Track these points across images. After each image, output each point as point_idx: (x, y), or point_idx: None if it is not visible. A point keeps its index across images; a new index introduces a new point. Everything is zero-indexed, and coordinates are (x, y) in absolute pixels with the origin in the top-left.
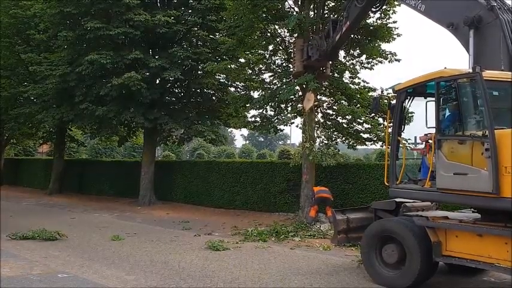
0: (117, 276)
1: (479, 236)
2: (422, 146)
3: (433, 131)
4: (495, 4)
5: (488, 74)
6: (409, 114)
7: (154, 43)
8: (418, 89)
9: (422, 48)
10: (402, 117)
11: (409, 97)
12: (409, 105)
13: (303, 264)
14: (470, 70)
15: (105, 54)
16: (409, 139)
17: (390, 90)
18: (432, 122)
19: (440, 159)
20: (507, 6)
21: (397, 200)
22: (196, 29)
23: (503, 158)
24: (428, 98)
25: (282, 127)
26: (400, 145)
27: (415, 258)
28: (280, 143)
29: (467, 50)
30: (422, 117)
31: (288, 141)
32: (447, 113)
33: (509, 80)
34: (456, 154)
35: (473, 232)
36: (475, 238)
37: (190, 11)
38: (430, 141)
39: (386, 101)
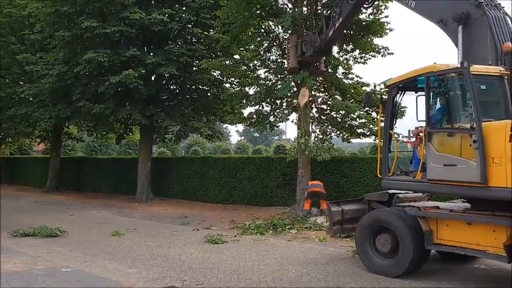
0: (119, 269)
1: (468, 225)
2: (414, 139)
3: (424, 124)
4: (482, 1)
5: (475, 68)
6: (402, 109)
7: (150, 41)
8: (408, 84)
9: (417, 44)
10: (394, 112)
11: (400, 92)
12: (401, 100)
13: (300, 255)
14: (459, 65)
15: (102, 53)
16: (403, 132)
17: (382, 85)
18: (422, 115)
19: (431, 151)
20: (494, 3)
21: (390, 191)
22: (190, 26)
23: (490, 149)
24: (419, 93)
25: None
26: (392, 138)
27: (408, 246)
28: (275, 138)
29: (457, 45)
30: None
31: (284, 137)
32: (437, 106)
33: (496, 74)
34: (446, 146)
35: (463, 221)
36: (464, 226)
37: (184, 8)
38: (421, 134)
39: (379, 95)
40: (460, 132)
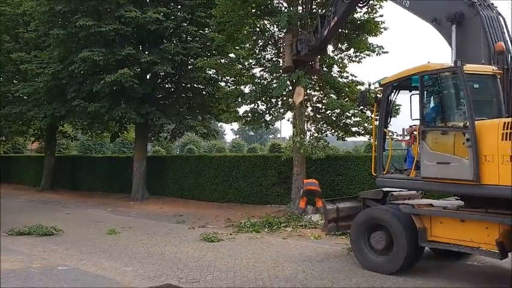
0: (115, 267)
1: (461, 222)
2: (408, 137)
3: (418, 122)
4: (476, 1)
5: (469, 67)
6: (396, 107)
7: (145, 39)
8: (403, 83)
9: (412, 43)
10: (388, 110)
11: (394, 90)
12: (395, 99)
13: (295, 253)
14: (452, 64)
15: (97, 51)
16: (398, 131)
17: (377, 84)
18: (417, 114)
19: (425, 149)
20: (487, 3)
21: (384, 189)
22: (185, 24)
23: (483, 147)
24: (413, 91)
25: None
26: (387, 137)
27: (402, 244)
28: (270, 136)
29: (450, 45)
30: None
31: (278, 135)
32: (431, 105)
33: (489, 73)
34: (439, 144)
35: (456, 218)
36: (458, 224)
37: (179, 7)
38: (415, 132)
39: (373, 94)
40: (453, 130)
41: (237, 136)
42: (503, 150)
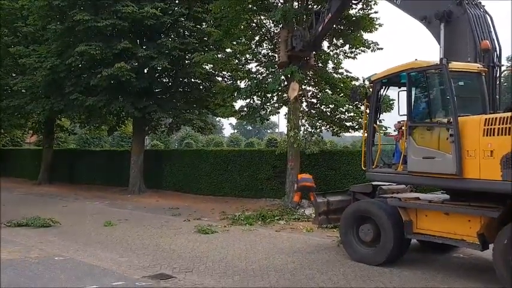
0: (111, 258)
1: (446, 215)
2: (396, 132)
3: (406, 118)
4: None
5: (454, 65)
6: (390, 102)
7: (142, 34)
8: (392, 79)
9: (408, 39)
10: (378, 106)
11: (384, 87)
12: (385, 94)
13: (287, 245)
14: (438, 62)
15: (94, 46)
16: (392, 126)
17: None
18: (405, 110)
19: (411, 144)
20: (475, 1)
21: (374, 183)
22: (182, 19)
23: (466, 142)
24: (401, 88)
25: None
26: (376, 132)
27: (389, 236)
28: (268, 131)
29: (439, 42)
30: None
31: (276, 130)
32: (418, 101)
33: (474, 71)
34: (425, 140)
35: (441, 211)
36: (442, 216)
37: (176, 1)
38: (403, 127)
39: (365, 90)
40: (438, 126)
41: (235, 131)
42: (484, 145)
